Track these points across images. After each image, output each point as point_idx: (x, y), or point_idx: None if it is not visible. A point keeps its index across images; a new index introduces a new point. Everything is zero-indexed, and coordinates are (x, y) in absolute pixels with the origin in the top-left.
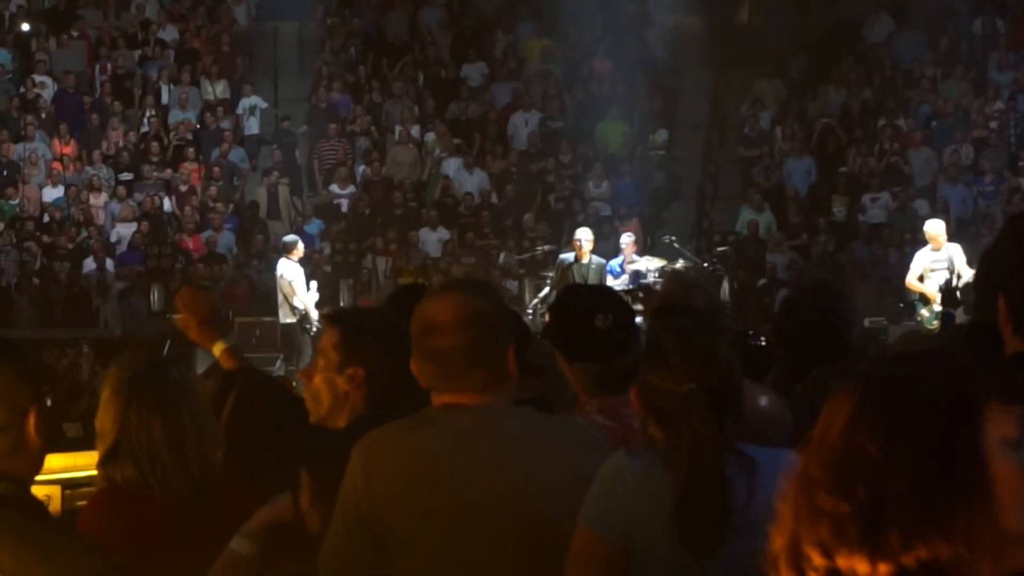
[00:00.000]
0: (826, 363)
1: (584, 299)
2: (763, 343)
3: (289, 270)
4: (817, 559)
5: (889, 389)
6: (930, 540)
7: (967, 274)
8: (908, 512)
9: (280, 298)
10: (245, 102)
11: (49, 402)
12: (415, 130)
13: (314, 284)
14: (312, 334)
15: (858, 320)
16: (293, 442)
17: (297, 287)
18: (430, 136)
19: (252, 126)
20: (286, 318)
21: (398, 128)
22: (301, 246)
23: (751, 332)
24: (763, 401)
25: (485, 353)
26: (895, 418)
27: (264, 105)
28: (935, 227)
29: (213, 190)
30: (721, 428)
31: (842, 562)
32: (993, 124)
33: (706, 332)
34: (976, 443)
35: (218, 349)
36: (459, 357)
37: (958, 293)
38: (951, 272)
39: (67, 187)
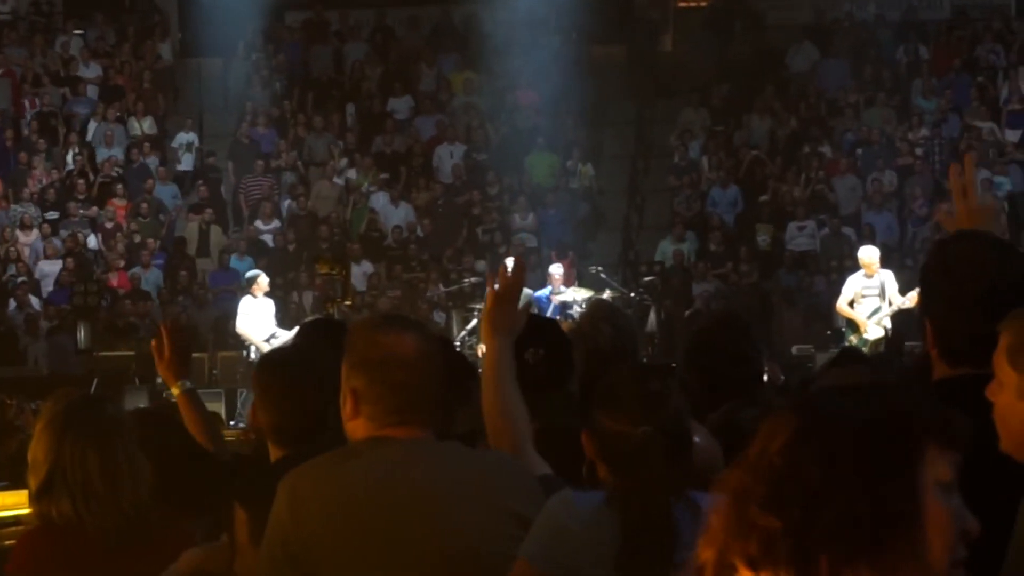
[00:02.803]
0: (735, 392)
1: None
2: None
3: (256, 307)
4: (743, 572)
5: (835, 416)
6: (858, 569)
7: (898, 301)
8: (840, 538)
9: (250, 335)
10: (182, 138)
11: None
12: (341, 164)
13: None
14: None
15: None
16: (188, 476)
17: (265, 322)
18: (353, 172)
19: (187, 162)
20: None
21: (323, 163)
22: (263, 280)
23: (674, 365)
24: (697, 438)
25: (433, 392)
26: (839, 445)
27: (198, 141)
28: (869, 254)
29: (138, 227)
30: (673, 471)
31: None
32: (918, 151)
33: (659, 376)
34: (913, 482)
35: (177, 389)
36: (416, 393)
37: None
38: (882, 298)
39: None
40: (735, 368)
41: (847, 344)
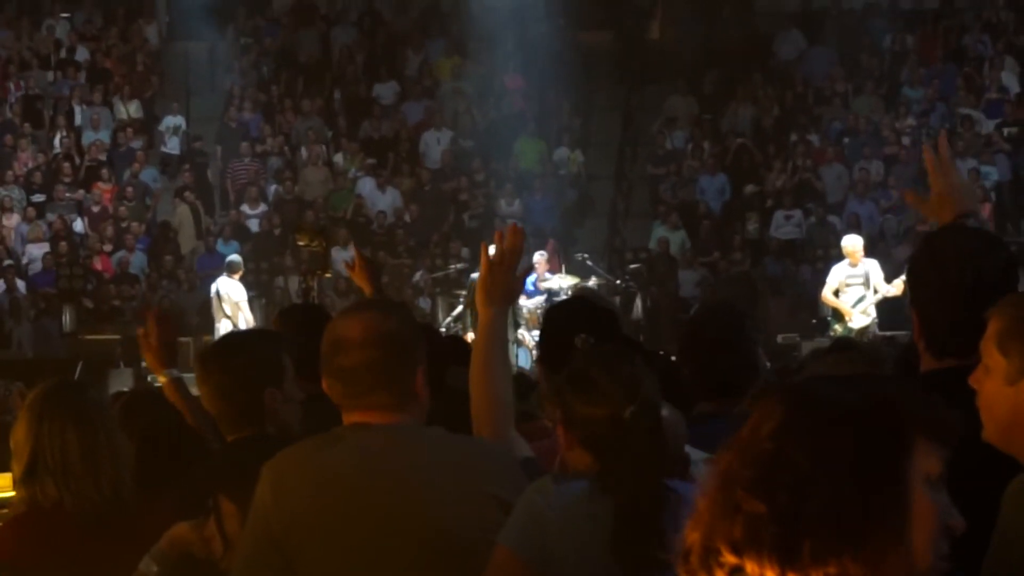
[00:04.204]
0: (731, 382)
1: (571, 316)
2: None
3: (235, 290)
4: (727, 555)
5: (828, 404)
6: (842, 558)
7: (883, 289)
8: (825, 526)
9: (218, 316)
10: (169, 121)
11: None
12: (327, 149)
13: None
14: None
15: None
16: (172, 457)
17: (243, 306)
18: (340, 156)
19: (173, 145)
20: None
21: (310, 147)
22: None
23: (661, 352)
24: (664, 412)
25: (391, 373)
26: (829, 433)
27: (185, 125)
28: (852, 242)
29: (124, 210)
30: (659, 449)
31: (751, 568)
32: (905, 140)
33: (629, 359)
34: (902, 474)
35: (164, 378)
36: (364, 375)
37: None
38: (867, 287)
39: None
40: (728, 360)
41: (832, 333)
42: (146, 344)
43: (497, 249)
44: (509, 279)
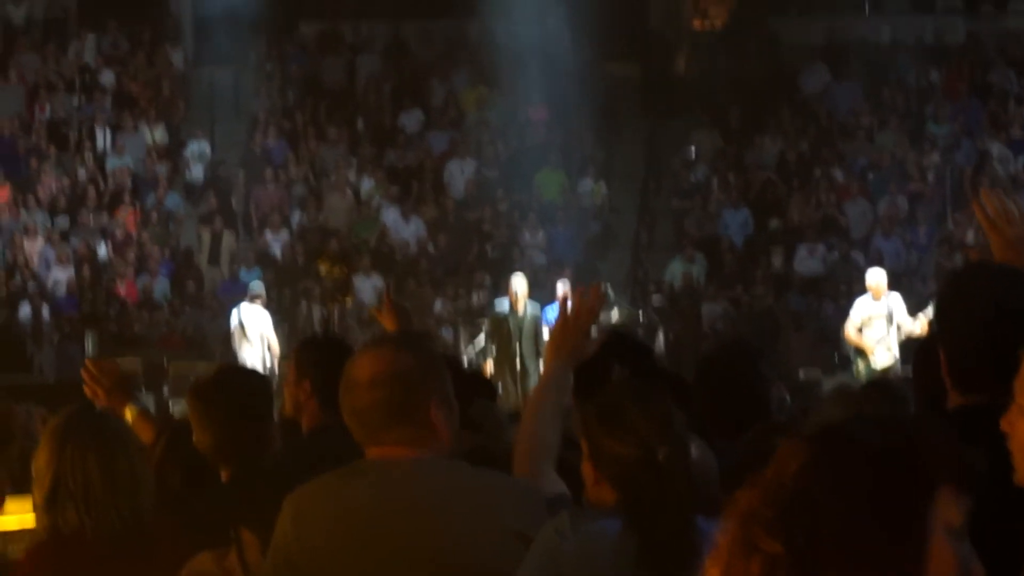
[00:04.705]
0: (742, 419)
1: (608, 347)
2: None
3: (258, 317)
4: None
5: (852, 447)
6: None
7: (907, 325)
8: (842, 568)
9: (240, 343)
10: (194, 147)
11: None
12: (351, 177)
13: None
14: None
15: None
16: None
17: (268, 333)
18: (367, 184)
19: (197, 171)
20: (251, 359)
21: (334, 175)
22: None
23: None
24: (694, 451)
25: (402, 411)
26: (852, 476)
27: (210, 151)
28: (876, 277)
29: (148, 236)
30: (691, 492)
31: None
32: (930, 176)
33: (657, 390)
34: (923, 520)
35: (130, 413)
36: (375, 415)
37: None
38: (890, 323)
39: None
40: (741, 396)
41: (854, 369)
42: (96, 398)
43: (574, 305)
44: (581, 337)
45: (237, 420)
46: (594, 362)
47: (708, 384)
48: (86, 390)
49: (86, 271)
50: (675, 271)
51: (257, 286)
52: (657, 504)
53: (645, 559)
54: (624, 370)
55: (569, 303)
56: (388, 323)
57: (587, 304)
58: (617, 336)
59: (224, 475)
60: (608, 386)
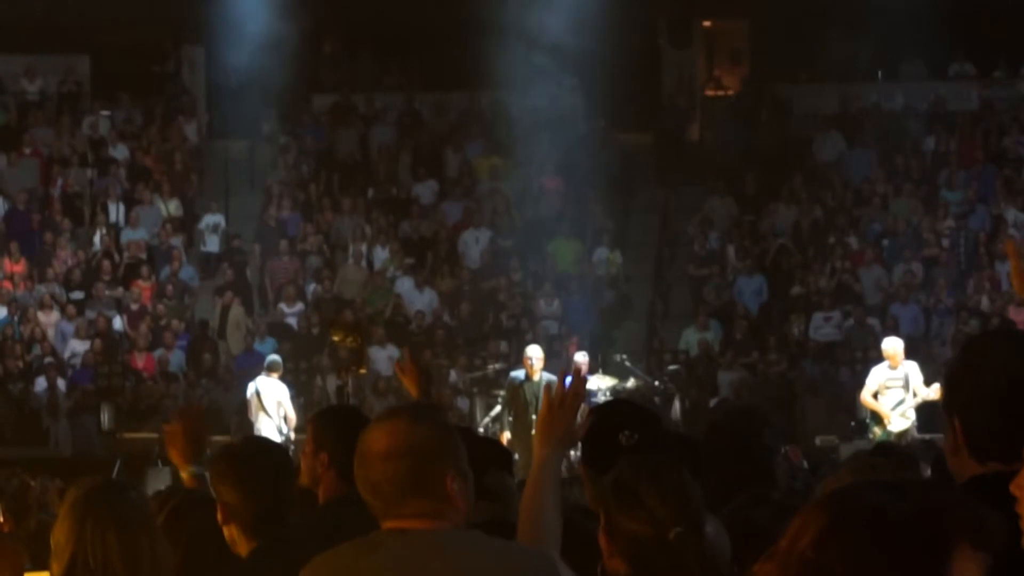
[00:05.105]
0: (742, 488)
1: (613, 415)
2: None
3: (275, 389)
4: None
5: (867, 512)
6: None
7: (923, 392)
8: None
9: (257, 415)
10: (208, 219)
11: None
12: (366, 248)
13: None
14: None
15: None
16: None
17: (286, 404)
18: (382, 254)
19: (212, 244)
20: (267, 430)
21: (349, 246)
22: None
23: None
24: (708, 528)
25: (418, 484)
26: (868, 541)
27: (224, 223)
28: (893, 345)
29: (163, 308)
30: (701, 567)
31: None
32: (944, 242)
33: (673, 466)
34: None
35: (187, 472)
36: (391, 488)
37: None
38: (906, 390)
39: (10, 304)
40: (743, 465)
41: (871, 436)
42: (172, 438)
43: (558, 391)
44: (569, 423)
45: (266, 491)
46: (601, 430)
47: (710, 454)
48: (169, 428)
49: (100, 344)
50: (690, 339)
51: (275, 358)
52: None
53: None
54: (632, 435)
55: (553, 389)
56: (410, 384)
57: (572, 390)
58: (623, 403)
59: (243, 546)
60: (624, 461)
